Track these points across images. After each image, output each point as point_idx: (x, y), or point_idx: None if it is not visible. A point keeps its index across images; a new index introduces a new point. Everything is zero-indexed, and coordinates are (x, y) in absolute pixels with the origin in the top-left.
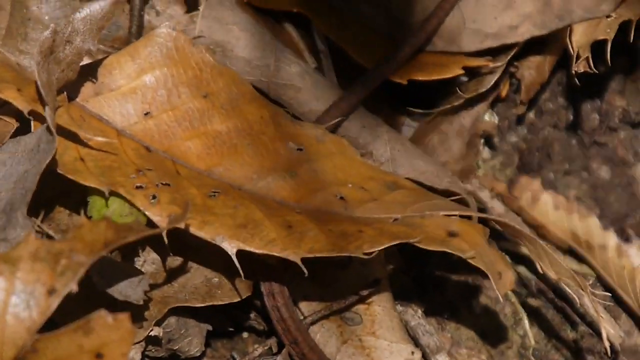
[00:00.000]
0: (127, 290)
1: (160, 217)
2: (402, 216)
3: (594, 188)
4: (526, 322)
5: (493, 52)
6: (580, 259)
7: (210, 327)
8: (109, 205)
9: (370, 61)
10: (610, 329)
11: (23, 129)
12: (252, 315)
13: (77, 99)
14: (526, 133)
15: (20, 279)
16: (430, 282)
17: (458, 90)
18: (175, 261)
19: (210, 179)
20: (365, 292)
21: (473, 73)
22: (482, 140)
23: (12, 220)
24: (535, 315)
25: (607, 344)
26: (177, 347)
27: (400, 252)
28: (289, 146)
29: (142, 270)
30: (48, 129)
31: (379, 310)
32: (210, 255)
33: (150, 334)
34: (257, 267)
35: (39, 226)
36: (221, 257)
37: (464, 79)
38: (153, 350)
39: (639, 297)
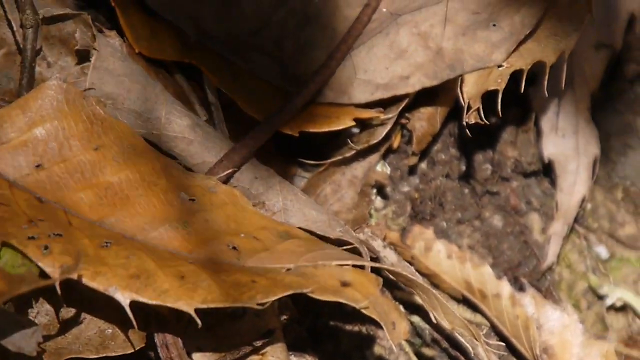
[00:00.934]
0: (20, 341)
1: (52, 268)
2: (295, 266)
3: (486, 237)
4: None
5: (384, 104)
6: (474, 308)
7: None
8: (1, 256)
9: (261, 113)
10: None
11: None
12: None
13: None
14: (418, 183)
15: None
16: (324, 332)
17: (349, 142)
18: (68, 312)
19: (102, 229)
20: (259, 343)
21: (364, 124)
22: (375, 190)
23: None
24: None
25: None
26: None
27: (294, 302)
28: (181, 197)
29: (36, 321)
30: None
31: None
32: (103, 306)
33: None
34: (150, 318)
35: None
36: (115, 308)
37: (356, 130)
38: None
39: (533, 346)
